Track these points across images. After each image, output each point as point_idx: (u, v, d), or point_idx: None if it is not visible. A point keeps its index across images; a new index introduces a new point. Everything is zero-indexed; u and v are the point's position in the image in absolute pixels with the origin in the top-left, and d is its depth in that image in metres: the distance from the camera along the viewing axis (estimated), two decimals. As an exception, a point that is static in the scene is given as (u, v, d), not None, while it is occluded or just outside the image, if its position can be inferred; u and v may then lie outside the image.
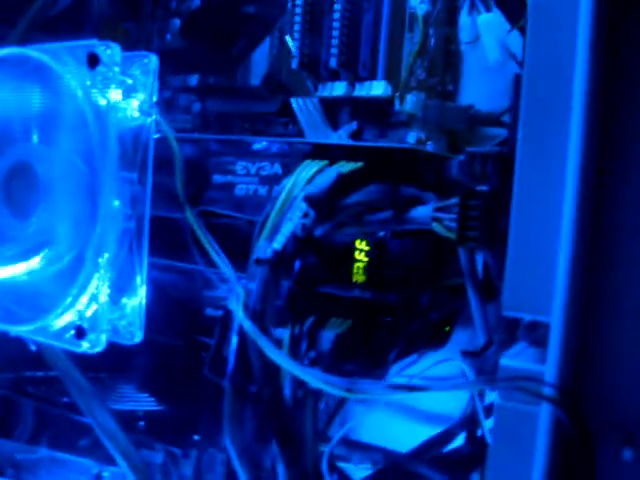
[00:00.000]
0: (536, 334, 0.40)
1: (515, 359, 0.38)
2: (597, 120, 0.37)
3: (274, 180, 0.50)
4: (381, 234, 0.48)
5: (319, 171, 0.46)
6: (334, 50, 0.58)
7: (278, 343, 0.44)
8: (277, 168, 0.51)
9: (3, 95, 0.51)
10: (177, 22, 0.65)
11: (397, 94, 0.58)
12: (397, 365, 0.54)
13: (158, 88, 0.50)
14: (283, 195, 0.45)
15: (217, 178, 0.53)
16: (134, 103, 0.48)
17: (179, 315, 0.58)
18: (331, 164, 0.47)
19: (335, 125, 0.61)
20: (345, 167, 0.46)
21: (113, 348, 0.50)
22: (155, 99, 0.49)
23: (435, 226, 0.44)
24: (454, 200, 0.43)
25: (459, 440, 0.56)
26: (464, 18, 0.57)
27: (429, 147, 0.59)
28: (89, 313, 0.47)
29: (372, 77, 0.60)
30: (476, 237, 0.42)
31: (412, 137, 0.59)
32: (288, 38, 0.62)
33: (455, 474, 0.54)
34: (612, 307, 0.37)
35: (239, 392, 0.43)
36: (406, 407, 0.64)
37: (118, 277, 0.48)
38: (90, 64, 0.45)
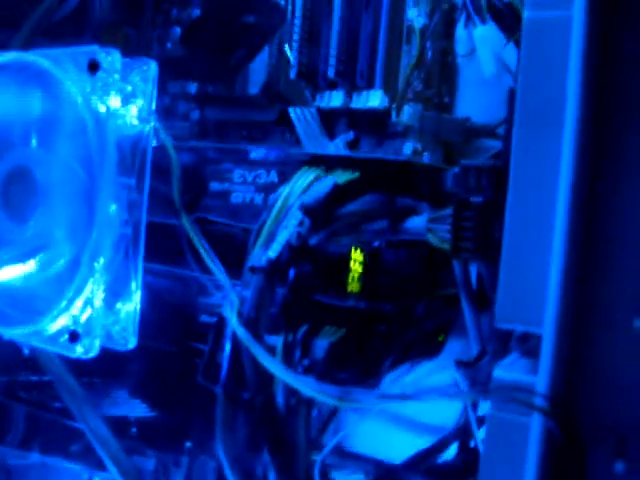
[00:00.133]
0: (528, 345, 0.40)
1: (507, 370, 0.38)
2: (590, 133, 0.38)
3: (270, 188, 0.50)
4: (376, 244, 0.48)
5: (315, 180, 0.46)
6: (332, 60, 0.59)
7: (271, 351, 0.44)
8: (273, 176, 0.51)
9: (4, 100, 0.51)
10: (177, 30, 0.66)
11: (394, 105, 0.58)
12: (391, 374, 0.54)
13: (157, 95, 0.50)
14: (279, 203, 0.45)
15: (214, 186, 0.54)
16: (133, 110, 0.48)
17: (173, 321, 0.58)
18: (327, 174, 0.47)
19: (332, 135, 0.62)
20: (341, 177, 0.47)
21: (107, 353, 0.50)
22: (154, 106, 0.49)
23: (430, 237, 0.44)
24: (448, 211, 0.44)
25: (452, 450, 0.56)
26: (460, 31, 0.58)
27: (425, 158, 0.60)
28: (84, 318, 0.47)
29: (369, 88, 0.60)
30: (469, 248, 0.43)
31: (408, 148, 0.59)
32: (287, 48, 0.63)
33: (447, 485, 0.54)
34: (604, 319, 0.38)
35: (232, 399, 0.43)
36: (399, 417, 0.64)
37: (113, 282, 0.48)
38: (90, 70, 0.46)
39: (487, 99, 0.59)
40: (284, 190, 0.46)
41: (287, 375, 0.41)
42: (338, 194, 0.46)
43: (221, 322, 0.45)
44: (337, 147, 0.60)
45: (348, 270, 0.49)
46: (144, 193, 0.48)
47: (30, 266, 0.50)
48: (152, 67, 0.48)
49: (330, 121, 0.61)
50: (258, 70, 0.65)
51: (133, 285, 0.48)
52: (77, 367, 0.55)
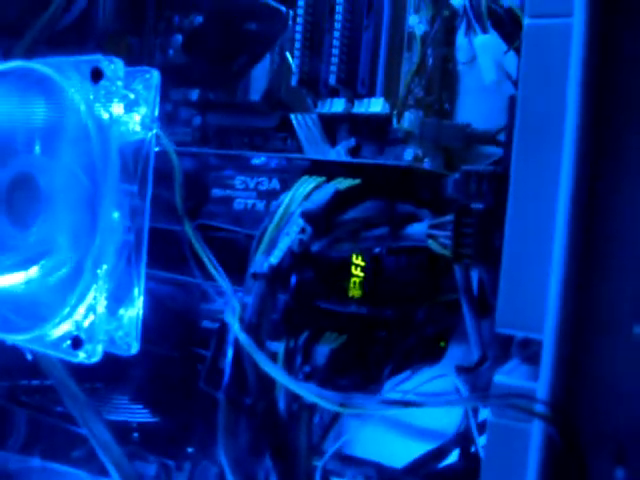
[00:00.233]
0: (529, 351, 0.40)
1: (508, 376, 0.38)
2: (590, 140, 0.38)
3: (272, 195, 0.51)
4: (377, 250, 0.48)
5: (316, 187, 0.47)
6: (333, 68, 0.59)
7: (273, 357, 0.44)
8: (275, 183, 0.51)
9: (7, 107, 0.51)
10: (179, 38, 0.66)
11: (395, 112, 0.59)
12: (392, 380, 0.54)
13: (159, 102, 0.50)
14: (281, 210, 0.46)
15: (216, 192, 0.54)
16: (136, 117, 0.48)
17: (175, 327, 0.58)
18: (328, 180, 0.48)
19: (333, 141, 0.62)
20: (342, 184, 0.47)
21: (109, 358, 0.50)
22: (156, 114, 0.49)
23: (430, 243, 0.45)
24: (449, 217, 0.44)
25: (453, 456, 0.56)
26: (461, 39, 0.58)
27: (426, 164, 0.60)
28: (86, 323, 0.48)
29: (371, 95, 0.61)
30: (470, 254, 0.43)
31: (409, 154, 0.60)
32: (288, 55, 0.63)
33: (448, 490, 0.54)
34: (604, 325, 0.38)
35: (234, 405, 0.43)
36: (400, 423, 0.64)
37: (116, 288, 0.48)
38: (94, 78, 0.46)
39: (487, 106, 0.60)
40: (286, 197, 0.47)
41: (289, 381, 0.41)
42: (339, 201, 0.46)
43: (223, 328, 0.46)
44: (338, 154, 0.61)
45: (350, 276, 0.49)
46: (146, 200, 0.49)
47: (33, 272, 0.51)
48: (154, 75, 0.48)
49: (331, 128, 0.62)
50: (260, 77, 0.66)
51: (136, 291, 0.49)
52: (79, 372, 0.55)
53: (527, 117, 0.38)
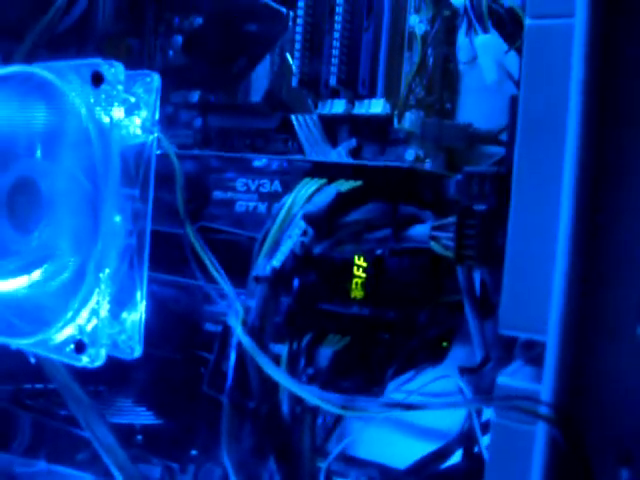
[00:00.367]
0: (532, 353, 0.40)
1: (511, 377, 0.38)
2: (593, 140, 0.38)
3: (274, 197, 0.51)
4: (379, 252, 0.48)
5: (318, 189, 0.47)
6: (334, 68, 0.59)
7: (276, 359, 0.44)
8: (277, 186, 0.51)
9: (8, 111, 0.51)
10: (179, 39, 0.66)
11: (396, 112, 0.59)
12: (395, 381, 0.54)
13: (160, 104, 0.50)
14: (282, 213, 0.46)
15: (217, 194, 0.54)
16: (137, 121, 0.48)
17: (178, 330, 0.58)
18: (330, 182, 0.48)
19: (334, 142, 0.62)
20: (344, 185, 0.47)
21: (113, 362, 0.50)
22: (157, 117, 0.49)
23: (433, 245, 0.45)
24: (451, 219, 0.44)
25: (456, 457, 0.56)
26: (462, 39, 0.58)
27: (427, 165, 0.60)
28: (89, 327, 0.48)
29: (371, 95, 0.60)
30: (473, 256, 0.43)
31: (410, 154, 0.60)
32: (289, 56, 0.63)
33: (452, 491, 0.54)
34: (607, 326, 0.38)
35: (237, 408, 0.43)
36: (404, 423, 0.64)
37: (118, 292, 0.48)
38: (94, 82, 0.46)
39: (489, 106, 0.59)
40: (287, 199, 0.47)
41: (292, 384, 0.41)
42: (341, 203, 0.46)
43: (226, 331, 0.46)
44: (339, 155, 0.60)
45: (352, 277, 0.49)
46: (148, 203, 0.49)
47: (36, 276, 0.51)
48: (155, 78, 0.48)
49: (332, 128, 0.62)
50: (260, 78, 0.66)
51: (138, 295, 0.49)
52: (83, 375, 0.55)
53: (529, 118, 0.38)
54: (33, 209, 0.50)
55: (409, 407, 0.38)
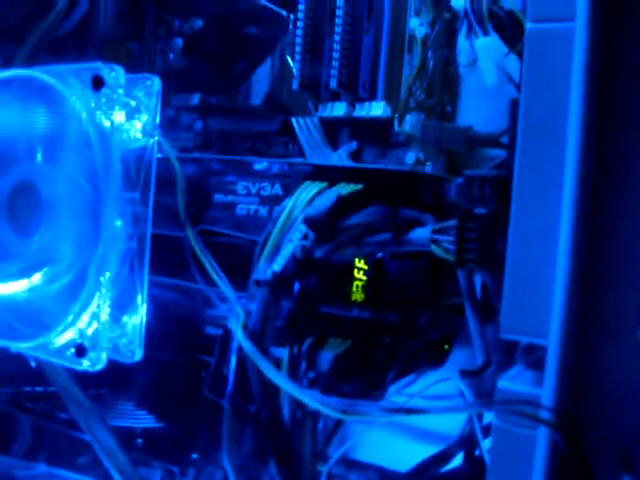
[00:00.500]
0: (533, 357, 0.40)
1: (512, 382, 0.38)
2: (593, 143, 0.38)
3: (274, 200, 0.51)
4: (380, 255, 0.48)
5: (319, 193, 0.47)
6: (334, 71, 0.59)
7: (277, 363, 0.44)
8: (277, 189, 0.51)
9: (9, 115, 0.51)
10: (180, 42, 0.66)
11: (396, 115, 0.59)
12: (396, 384, 0.54)
13: (161, 107, 0.50)
14: (283, 216, 0.45)
15: (218, 197, 0.54)
16: (137, 124, 0.48)
17: (179, 333, 0.58)
18: (331, 186, 0.48)
19: (335, 145, 0.62)
20: (345, 189, 0.47)
21: (113, 365, 0.50)
22: (158, 120, 0.49)
23: (433, 248, 0.45)
24: (452, 222, 0.44)
25: (457, 460, 0.56)
26: (462, 41, 0.58)
27: (428, 168, 0.60)
28: (90, 331, 0.48)
29: (372, 98, 0.60)
30: (474, 259, 0.43)
31: (411, 157, 0.60)
32: (289, 59, 0.63)
33: (453, 494, 0.54)
34: (608, 327, 0.38)
35: (238, 412, 0.43)
36: (404, 426, 0.64)
37: (119, 296, 0.48)
38: (95, 86, 0.46)
39: (489, 108, 0.59)
40: (288, 203, 0.47)
41: (292, 388, 0.41)
42: (342, 206, 0.46)
43: (227, 335, 0.45)
44: (340, 157, 0.60)
45: (352, 279, 0.49)
46: (149, 206, 0.49)
47: (36, 280, 0.51)
48: (156, 82, 0.48)
49: (333, 131, 0.62)
50: (261, 81, 0.66)
51: (139, 298, 0.49)
52: (83, 379, 0.55)
53: (530, 121, 0.38)
54: (33, 212, 0.50)
55: (410, 411, 0.38)
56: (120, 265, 0.48)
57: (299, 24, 0.60)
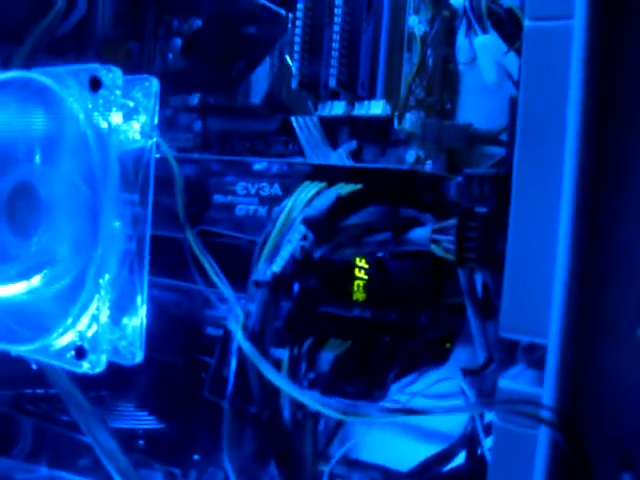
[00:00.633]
0: (534, 356, 0.40)
1: (513, 381, 0.38)
2: (592, 140, 0.38)
3: (274, 201, 0.50)
4: (379, 254, 0.48)
5: (318, 193, 0.46)
6: (333, 70, 0.59)
7: (277, 364, 0.44)
8: (277, 189, 0.51)
9: (7, 117, 0.51)
10: (179, 42, 0.66)
11: (396, 113, 0.59)
12: (398, 383, 0.54)
13: (160, 107, 0.50)
14: (282, 217, 0.45)
15: (218, 198, 0.54)
16: (135, 125, 0.48)
17: (179, 334, 0.58)
18: (330, 185, 0.47)
19: (335, 144, 0.62)
20: (344, 189, 0.47)
21: (114, 367, 0.50)
22: (156, 121, 0.49)
23: (433, 248, 0.44)
24: (452, 221, 0.44)
25: (459, 459, 0.56)
26: (461, 39, 0.58)
27: (428, 166, 0.60)
28: (90, 333, 0.48)
29: (371, 96, 0.60)
30: (474, 258, 0.43)
31: (411, 156, 0.59)
32: (288, 58, 0.63)
33: (455, 493, 0.54)
34: (608, 327, 0.38)
35: (238, 413, 0.43)
36: (406, 426, 0.64)
37: (119, 297, 0.48)
38: (92, 87, 0.46)
39: (489, 106, 0.59)
40: (287, 203, 0.46)
41: (293, 389, 0.41)
42: (341, 206, 0.46)
43: (227, 336, 0.45)
44: (340, 156, 0.60)
45: (353, 279, 0.49)
46: (148, 208, 0.49)
47: (35, 282, 0.51)
48: (154, 83, 0.48)
49: (332, 130, 0.62)
50: (260, 80, 0.66)
51: (139, 300, 0.49)
52: (84, 381, 0.55)
53: (529, 120, 0.38)
54: (32, 214, 0.50)
55: (411, 412, 0.38)
56: (119, 266, 0.48)
57: (298, 23, 0.60)
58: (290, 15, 0.63)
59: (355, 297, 0.49)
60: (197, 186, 0.54)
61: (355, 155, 0.61)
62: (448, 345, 0.59)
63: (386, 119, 0.59)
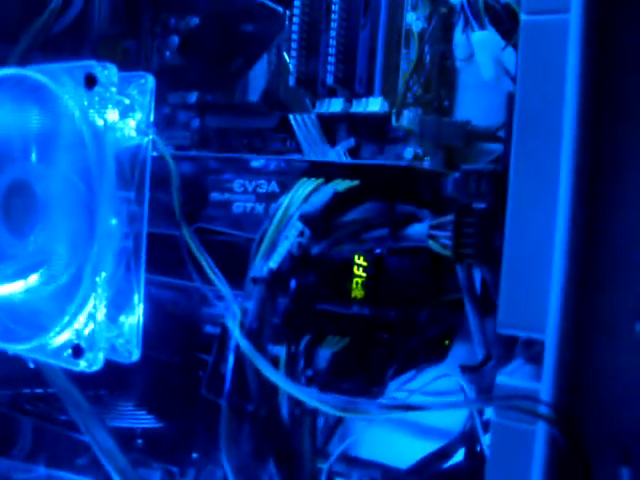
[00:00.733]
0: (532, 351, 0.40)
1: (511, 377, 0.38)
2: (589, 135, 0.38)
3: (271, 198, 0.50)
4: (378, 251, 0.48)
5: (315, 189, 0.46)
6: (331, 67, 0.59)
7: (275, 361, 0.44)
8: (274, 186, 0.51)
9: (3, 114, 0.51)
10: (176, 40, 0.66)
11: (394, 110, 0.58)
12: (396, 380, 0.54)
13: (157, 105, 0.50)
14: (279, 213, 0.45)
15: (215, 196, 0.54)
16: (131, 123, 0.48)
17: (177, 332, 0.58)
18: (327, 182, 0.47)
19: (333, 141, 0.62)
20: (341, 185, 0.47)
21: (112, 366, 0.50)
22: (152, 119, 0.49)
23: (431, 244, 0.44)
24: (449, 217, 0.44)
25: (458, 456, 0.56)
26: (458, 36, 0.58)
27: (426, 163, 0.60)
28: (87, 332, 0.47)
29: (369, 93, 0.60)
30: (472, 254, 0.43)
31: (409, 153, 0.59)
32: (285, 55, 0.63)
33: (454, 490, 0.54)
34: (605, 323, 0.37)
35: (236, 411, 0.43)
36: (406, 423, 0.64)
37: (115, 295, 0.48)
38: (87, 84, 0.46)
39: (487, 102, 0.59)
40: (284, 200, 0.46)
41: (290, 386, 0.41)
42: (338, 202, 0.46)
43: (224, 333, 0.45)
44: (338, 154, 0.60)
45: (352, 277, 0.49)
46: (144, 205, 0.48)
47: (32, 281, 0.50)
48: (149, 80, 0.48)
49: (330, 128, 0.61)
50: (258, 78, 0.65)
51: (135, 298, 0.48)
52: (82, 380, 0.54)
53: (525, 114, 0.38)
54: (29, 212, 0.50)
55: (409, 408, 0.38)
56: (116, 264, 0.47)
57: (295, 20, 0.60)
58: (287, 12, 0.63)
59: (354, 295, 0.49)
60: (194, 183, 0.54)
61: (353, 153, 0.61)
62: (447, 342, 0.59)
63: (384, 116, 0.59)
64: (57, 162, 0.49)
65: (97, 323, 0.47)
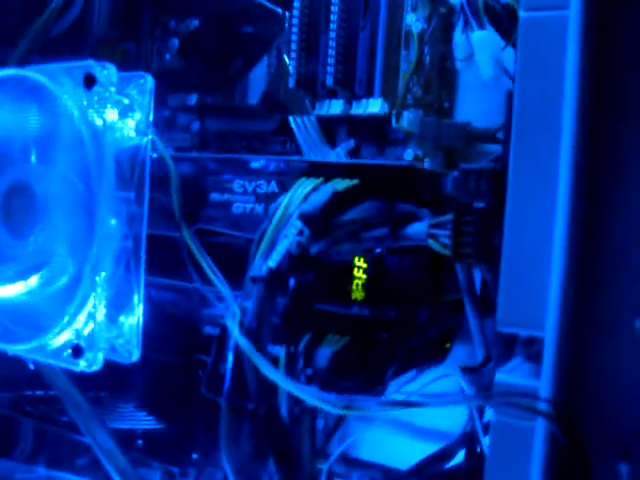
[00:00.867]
0: (532, 349, 0.40)
1: (509, 374, 0.38)
2: (588, 133, 0.38)
3: (271, 198, 0.50)
4: (377, 251, 0.48)
5: (314, 188, 0.46)
6: (330, 69, 0.59)
7: (274, 360, 0.44)
8: (273, 186, 0.51)
9: (2, 115, 0.51)
10: (176, 42, 0.66)
11: (394, 112, 0.58)
12: (396, 382, 0.54)
13: (158, 107, 0.50)
14: (279, 213, 0.45)
15: (214, 196, 0.54)
16: (130, 123, 0.48)
17: (177, 333, 0.58)
18: (327, 181, 0.47)
19: (333, 143, 0.62)
20: (340, 184, 0.47)
21: (112, 366, 0.50)
22: (151, 119, 0.49)
23: (431, 243, 0.44)
24: (449, 216, 0.43)
25: (459, 457, 0.55)
26: (458, 36, 0.58)
27: (426, 164, 0.60)
28: (86, 332, 0.47)
29: (369, 95, 0.60)
30: (471, 253, 0.43)
31: (409, 154, 0.59)
32: (285, 57, 0.63)
33: (455, 491, 0.54)
34: (605, 322, 0.37)
35: (236, 410, 0.43)
36: (406, 424, 0.64)
37: (115, 296, 0.48)
38: (86, 84, 0.46)
39: (487, 103, 0.59)
40: (284, 199, 0.46)
41: (290, 385, 0.41)
42: (337, 202, 0.46)
43: (223, 333, 0.45)
44: (338, 156, 0.60)
45: (352, 278, 0.49)
46: (144, 206, 0.48)
47: (33, 282, 0.50)
48: (148, 80, 0.48)
49: (330, 129, 0.62)
50: (257, 80, 0.66)
51: (135, 298, 0.48)
52: (83, 381, 0.54)
53: (524, 112, 0.38)
54: (28, 214, 0.50)
55: (408, 405, 0.38)
56: (115, 265, 0.47)
57: (295, 22, 0.60)
58: (287, 14, 0.63)
59: (354, 296, 0.49)
60: (194, 184, 0.54)
61: (353, 154, 0.61)
62: (447, 345, 0.59)
63: (384, 117, 0.59)
64: (56, 162, 0.49)
65: (97, 323, 0.47)
